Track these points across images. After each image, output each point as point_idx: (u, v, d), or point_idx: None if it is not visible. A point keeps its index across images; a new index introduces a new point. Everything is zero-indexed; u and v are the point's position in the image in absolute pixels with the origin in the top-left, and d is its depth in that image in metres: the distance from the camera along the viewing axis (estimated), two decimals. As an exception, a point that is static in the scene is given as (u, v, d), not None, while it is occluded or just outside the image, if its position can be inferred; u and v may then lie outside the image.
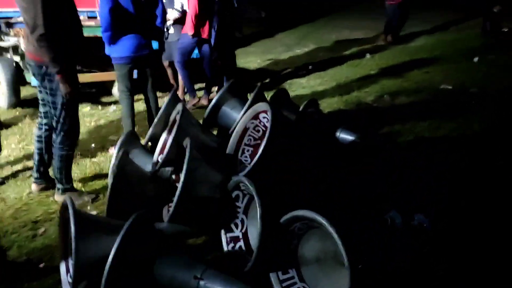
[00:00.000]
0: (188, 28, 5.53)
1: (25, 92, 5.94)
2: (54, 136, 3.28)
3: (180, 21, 5.83)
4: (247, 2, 16.28)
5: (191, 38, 5.59)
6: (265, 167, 2.67)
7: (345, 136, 3.61)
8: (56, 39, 2.95)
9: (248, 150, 3.08)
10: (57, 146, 3.27)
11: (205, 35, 5.72)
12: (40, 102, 3.36)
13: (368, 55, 8.66)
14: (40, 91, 3.28)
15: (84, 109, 5.73)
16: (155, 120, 3.41)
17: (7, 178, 3.90)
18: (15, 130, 5.00)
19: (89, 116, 5.55)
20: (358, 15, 14.15)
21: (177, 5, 5.87)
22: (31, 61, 3.15)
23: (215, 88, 6.80)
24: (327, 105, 5.96)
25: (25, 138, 4.77)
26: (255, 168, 2.64)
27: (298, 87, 6.97)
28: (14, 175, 3.98)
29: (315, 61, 8.75)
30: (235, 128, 3.12)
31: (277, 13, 16.81)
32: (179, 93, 6.07)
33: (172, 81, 6.30)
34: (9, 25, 5.15)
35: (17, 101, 5.55)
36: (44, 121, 3.41)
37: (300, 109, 3.90)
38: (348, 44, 10.22)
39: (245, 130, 3.11)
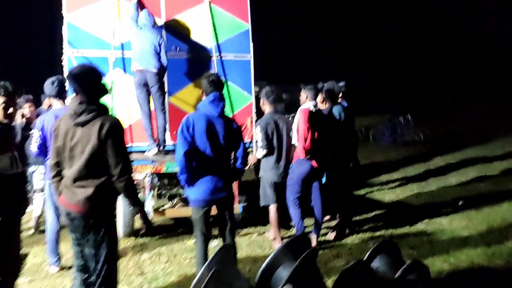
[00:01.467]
0: (300, 152, 5.14)
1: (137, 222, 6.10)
2: None
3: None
4: (409, 124, 15.71)
5: (299, 171, 5.16)
6: None
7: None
8: None
9: None
10: None
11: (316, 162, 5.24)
12: (77, 255, 3.19)
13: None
14: (79, 244, 3.13)
15: (189, 242, 5.60)
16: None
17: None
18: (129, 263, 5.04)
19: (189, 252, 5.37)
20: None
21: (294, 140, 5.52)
22: (75, 214, 3.04)
23: (326, 218, 6.11)
24: (465, 258, 4.76)
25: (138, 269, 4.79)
26: None
27: (435, 229, 5.81)
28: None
29: (470, 196, 7.40)
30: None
31: (442, 133, 15.62)
32: (271, 233, 5.48)
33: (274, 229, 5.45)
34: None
35: (132, 231, 5.75)
36: (81, 275, 3.20)
37: (397, 274, 3.07)
38: (523, 176, 8.54)
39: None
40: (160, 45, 5.81)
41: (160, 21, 6.23)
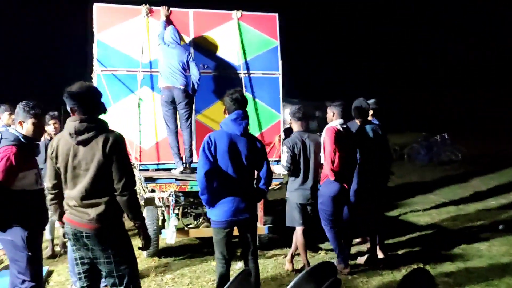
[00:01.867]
0: (328, 173, 4.95)
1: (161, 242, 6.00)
2: None
3: None
4: (445, 142, 15.19)
5: (328, 192, 4.97)
6: None
7: None
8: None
9: None
10: None
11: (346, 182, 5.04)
12: (85, 274, 3.13)
13: None
14: (88, 263, 3.10)
15: (213, 263, 5.45)
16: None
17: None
18: (151, 283, 4.94)
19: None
20: None
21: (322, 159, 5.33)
22: (89, 232, 2.97)
23: (357, 241, 5.86)
24: (505, 287, 4.42)
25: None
26: None
27: (473, 255, 5.48)
28: None
29: (511, 219, 6.98)
30: None
31: (481, 153, 15.02)
32: (288, 257, 5.24)
33: (301, 252, 5.11)
34: (151, 179, 5.47)
35: (156, 251, 5.66)
36: None
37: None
38: None
39: None
40: (187, 62, 5.79)
41: (188, 39, 6.24)
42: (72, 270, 4.54)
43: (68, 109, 3.08)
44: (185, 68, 5.79)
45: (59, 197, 3.20)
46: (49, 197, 3.26)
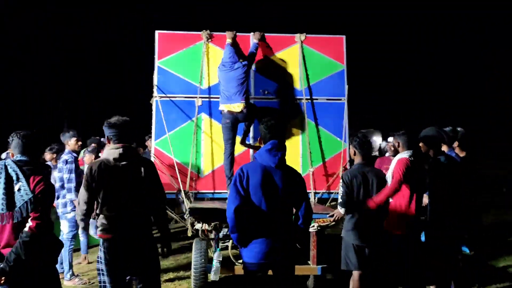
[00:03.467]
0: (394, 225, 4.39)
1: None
2: None
3: None
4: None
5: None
6: None
7: None
8: None
9: None
10: None
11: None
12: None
13: None
14: (122, 268, 3.51)
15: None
16: None
17: None
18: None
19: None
20: None
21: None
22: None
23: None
24: None
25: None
26: None
27: None
28: None
29: None
30: None
31: None
32: None
33: None
34: (195, 211, 5.21)
35: (203, 285, 5.35)
36: None
37: None
38: None
39: None
40: (244, 84, 5.56)
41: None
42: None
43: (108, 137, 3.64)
44: (244, 91, 5.55)
45: (92, 212, 3.60)
46: (85, 212, 3.55)
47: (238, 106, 5.51)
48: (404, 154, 4.51)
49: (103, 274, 3.56)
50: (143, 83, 7.61)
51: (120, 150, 3.50)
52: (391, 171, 4.51)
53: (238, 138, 5.80)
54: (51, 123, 17.08)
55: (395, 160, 4.56)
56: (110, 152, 3.52)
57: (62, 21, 18.32)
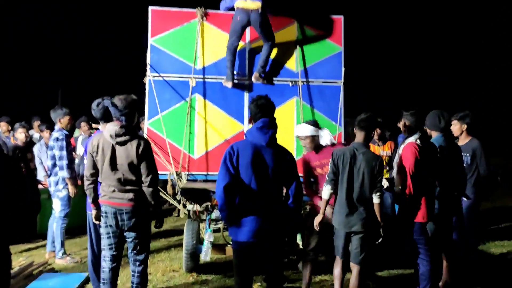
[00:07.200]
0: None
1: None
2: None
3: None
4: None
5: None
6: None
7: None
8: None
9: None
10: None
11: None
12: (110, 246, 3.95)
13: None
14: (116, 236, 3.93)
15: (255, 285, 5.00)
16: None
17: None
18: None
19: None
20: None
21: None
22: (128, 209, 3.82)
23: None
24: None
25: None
26: None
27: None
28: None
29: None
30: None
31: None
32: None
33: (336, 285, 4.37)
34: (186, 192, 5.19)
35: (194, 266, 5.33)
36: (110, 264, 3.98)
37: None
38: None
39: None
40: None
41: (244, 44, 5.92)
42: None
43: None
44: None
45: (95, 184, 4.01)
46: (86, 183, 4.00)
47: (254, 4, 5.36)
48: (411, 138, 4.42)
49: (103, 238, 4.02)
50: (136, 61, 7.49)
51: (118, 127, 3.81)
52: (397, 158, 4.44)
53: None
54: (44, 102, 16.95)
55: (402, 147, 4.46)
56: (110, 128, 3.85)
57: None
